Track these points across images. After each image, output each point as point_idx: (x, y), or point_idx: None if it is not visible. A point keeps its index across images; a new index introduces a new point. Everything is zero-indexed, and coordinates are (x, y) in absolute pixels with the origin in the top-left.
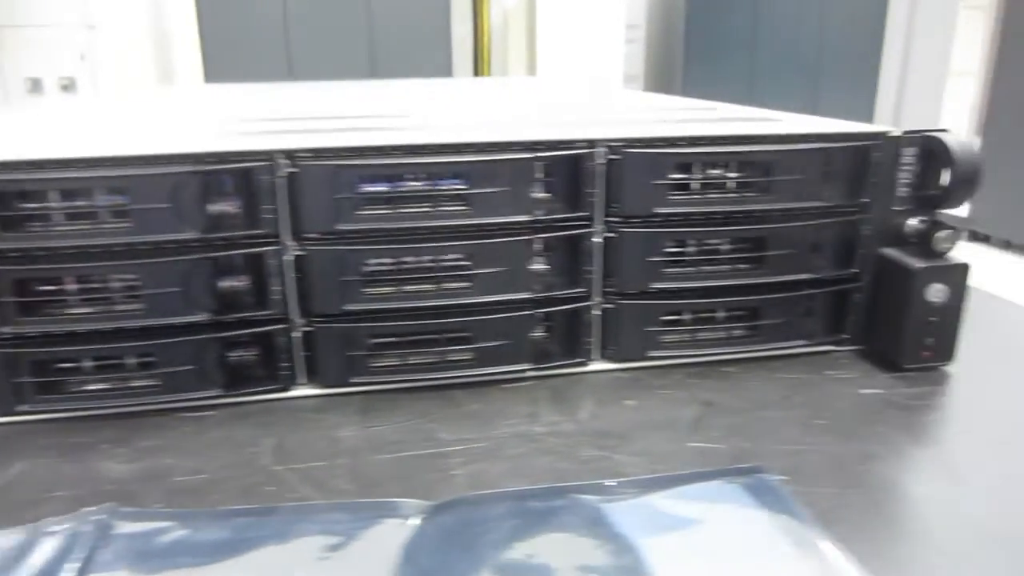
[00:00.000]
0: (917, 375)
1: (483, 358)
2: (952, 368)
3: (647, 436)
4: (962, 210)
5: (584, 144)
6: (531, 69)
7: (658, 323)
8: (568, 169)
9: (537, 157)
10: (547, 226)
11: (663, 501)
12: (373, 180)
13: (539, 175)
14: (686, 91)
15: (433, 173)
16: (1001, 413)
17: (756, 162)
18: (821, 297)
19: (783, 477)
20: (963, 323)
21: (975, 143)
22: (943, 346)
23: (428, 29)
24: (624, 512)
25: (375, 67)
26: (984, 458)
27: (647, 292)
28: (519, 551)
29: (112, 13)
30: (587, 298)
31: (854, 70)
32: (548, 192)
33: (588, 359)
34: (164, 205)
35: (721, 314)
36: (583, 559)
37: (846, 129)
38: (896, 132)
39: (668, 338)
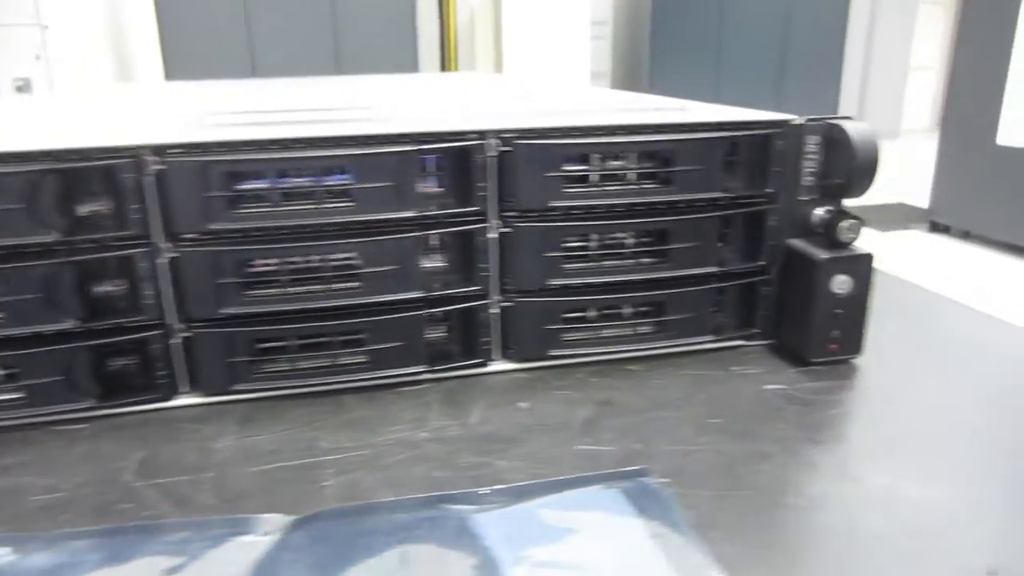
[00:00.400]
0: (824, 369)
1: (377, 361)
2: (861, 361)
3: (535, 440)
4: (922, 200)
5: (474, 136)
6: (498, 66)
7: (559, 321)
8: (458, 162)
9: (422, 150)
10: (438, 222)
11: (538, 510)
12: (251, 177)
13: (429, 169)
14: (653, 88)
15: (314, 168)
16: (904, 408)
17: (656, 152)
18: (729, 291)
19: (666, 480)
20: (869, 315)
21: (874, 131)
22: (850, 339)
23: (393, 26)
24: (494, 523)
25: (340, 64)
26: (880, 456)
27: (547, 289)
28: (373, 568)
29: (66, 12)
30: (484, 296)
31: (818, 65)
32: (441, 186)
33: (488, 360)
34: (18, 205)
35: (626, 310)
36: (440, 574)
37: (748, 117)
38: (799, 120)
39: (570, 336)
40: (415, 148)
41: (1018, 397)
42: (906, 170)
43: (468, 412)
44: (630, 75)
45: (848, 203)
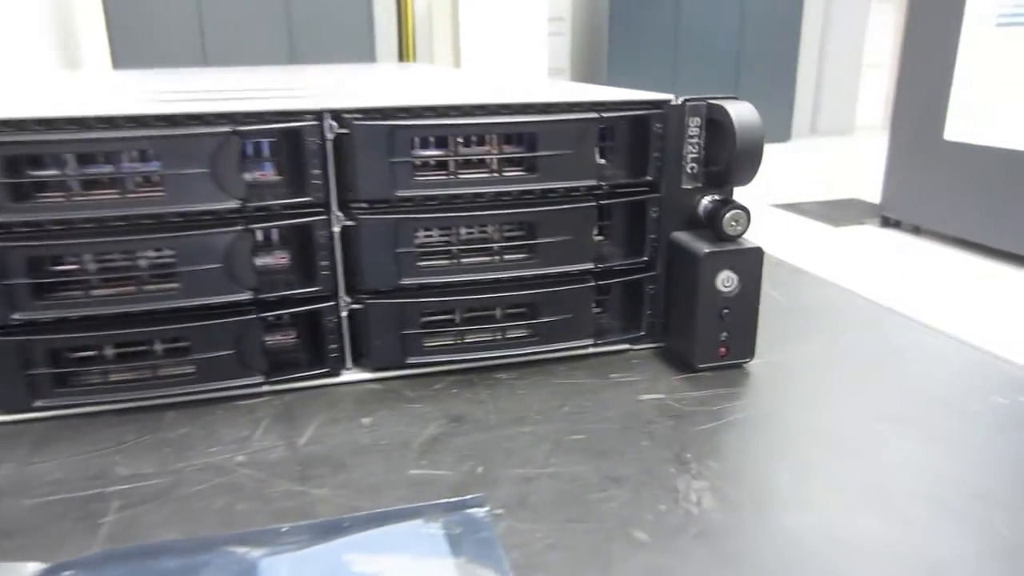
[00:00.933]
0: (713, 376)
1: (204, 372)
2: (753, 366)
3: (367, 463)
4: (876, 196)
5: (309, 116)
6: (457, 61)
7: (419, 325)
8: (292, 146)
9: (242, 131)
10: (271, 214)
11: (339, 552)
12: (43, 161)
13: (263, 154)
14: (611, 84)
15: (117, 152)
16: (788, 422)
17: (520, 135)
18: (611, 290)
19: (500, 511)
20: (758, 315)
21: (757, 114)
22: (740, 342)
23: (349, 17)
24: (284, 568)
25: (294, 55)
26: (748, 479)
27: (401, 289)
28: None
29: (9, 1)
30: (329, 298)
31: (774, 62)
32: (279, 174)
33: (339, 369)
34: None
35: (495, 313)
36: None
37: (622, 97)
38: (678, 100)
39: (432, 342)
40: (231, 130)
41: (917, 411)
42: (860, 166)
43: (302, 430)
44: (588, 71)
45: (805, 197)
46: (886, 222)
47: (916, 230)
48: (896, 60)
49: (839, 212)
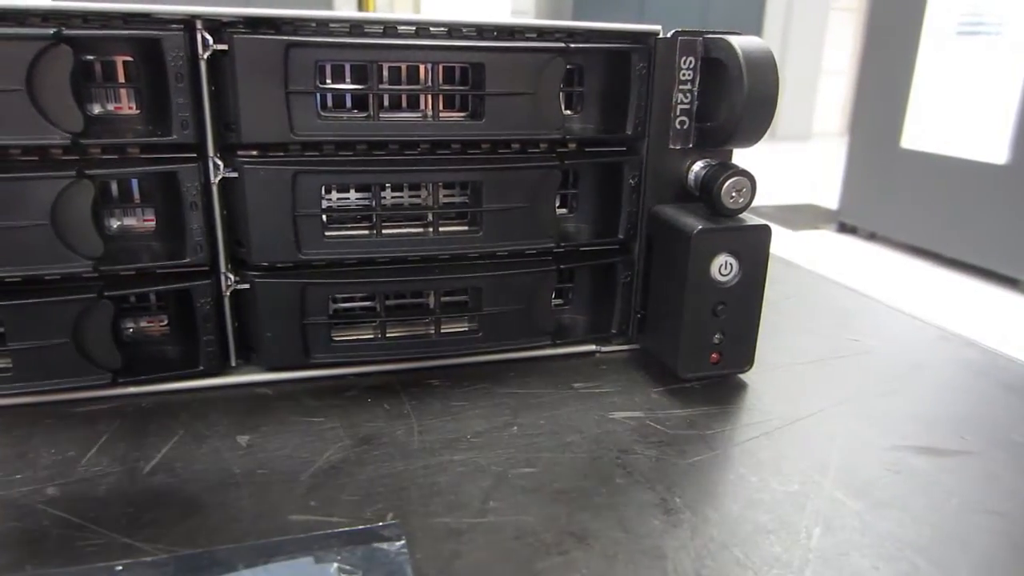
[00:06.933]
0: (702, 389)
1: (23, 368)
2: (751, 377)
3: (230, 503)
4: (833, 202)
5: (174, 25)
6: (416, 6)
7: (326, 313)
8: (151, 67)
9: (66, 38)
10: (121, 158)
11: None
12: None
13: (115, 76)
14: None
15: None
16: (802, 456)
17: (463, 68)
18: (575, 277)
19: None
20: (762, 312)
21: (770, 51)
22: (738, 346)
23: None
24: None
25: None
26: (764, 539)
27: (302, 265)
28: None
29: None
30: (204, 274)
31: None
32: (138, 106)
33: (218, 367)
34: None
35: (427, 301)
36: None
37: (596, 26)
38: (666, 34)
39: (343, 336)
40: (55, 32)
41: (948, 439)
42: (817, 172)
43: (151, 450)
44: (554, 16)
45: (762, 201)
46: (843, 227)
47: (872, 236)
48: (855, 67)
49: (796, 216)
